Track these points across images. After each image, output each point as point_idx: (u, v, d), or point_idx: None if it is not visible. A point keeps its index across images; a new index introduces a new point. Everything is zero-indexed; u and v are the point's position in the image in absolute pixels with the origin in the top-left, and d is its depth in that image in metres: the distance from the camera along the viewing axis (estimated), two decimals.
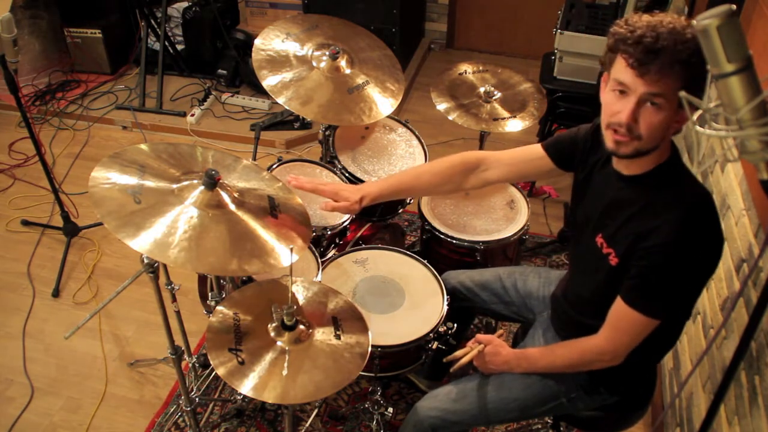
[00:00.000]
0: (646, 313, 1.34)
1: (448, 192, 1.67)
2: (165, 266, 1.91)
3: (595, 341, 1.44)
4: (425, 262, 1.99)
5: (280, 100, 1.99)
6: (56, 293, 2.69)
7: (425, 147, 2.37)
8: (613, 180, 1.42)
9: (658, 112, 1.22)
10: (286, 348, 1.45)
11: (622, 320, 1.38)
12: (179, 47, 4.13)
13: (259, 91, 3.88)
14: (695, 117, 1.01)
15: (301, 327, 1.49)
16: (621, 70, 1.23)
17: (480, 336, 1.63)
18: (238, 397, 2.20)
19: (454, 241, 2.09)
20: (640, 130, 1.24)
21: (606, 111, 1.30)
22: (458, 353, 1.64)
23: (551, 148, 1.61)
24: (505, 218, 2.21)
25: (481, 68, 2.47)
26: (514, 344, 1.88)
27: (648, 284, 1.33)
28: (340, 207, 1.69)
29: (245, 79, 4.02)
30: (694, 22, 0.91)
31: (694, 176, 1.36)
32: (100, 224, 2.91)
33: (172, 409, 2.24)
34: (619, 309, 1.38)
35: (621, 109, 1.25)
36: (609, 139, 1.30)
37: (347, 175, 2.17)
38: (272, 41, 2.12)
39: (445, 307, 1.83)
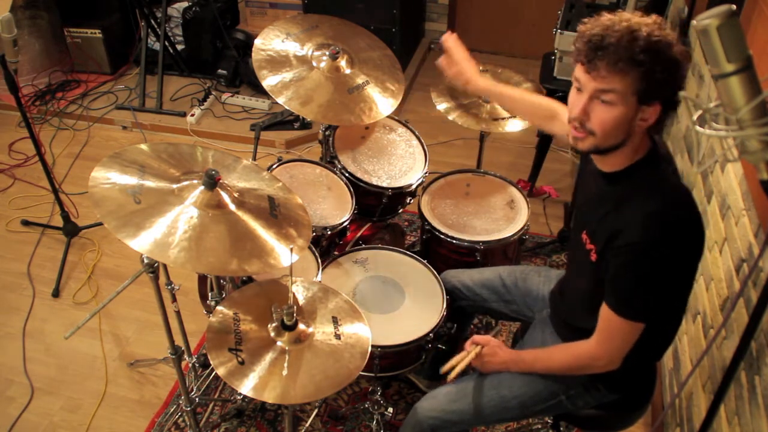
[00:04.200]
0: (626, 316, 1.34)
1: (531, 122, 1.90)
2: (165, 266, 1.91)
3: (588, 346, 1.45)
4: (425, 262, 2.00)
5: (280, 100, 1.99)
6: (56, 293, 2.69)
7: (425, 147, 2.36)
8: (596, 176, 1.43)
9: (610, 109, 1.24)
10: (286, 348, 1.45)
11: (609, 324, 1.38)
12: (179, 47, 4.13)
13: (259, 91, 3.87)
14: (695, 117, 1.01)
15: (301, 327, 1.49)
16: (576, 67, 1.28)
17: (476, 337, 1.62)
18: (238, 397, 2.20)
19: (454, 241, 2.09)
20: (592, 126, 1.28)
21: (568, 107, 1.34)
22: (455, 360, 1.59)
23: None
24: (505, 218, 2.21)
25: (481, 68, 2.45)
26: (514, 344, 1.88)
27: (622, 287, 1.34)
28: (450, 70, 1.79)
29: (245, 79, 4.02)
30: (694, 22, 0.91)
31: (670, 174, 1.36)
32: (100, 224, 2.91)
33: (172, 409, 2.24)
34: (604, 313, 1.38)
35: (576, 104, 1.28)
36: (570, 135, 1.34)
37: (347, 175, 2.17)
38: (272, 41, 2.12)
39: (445, 307, 1.83)
